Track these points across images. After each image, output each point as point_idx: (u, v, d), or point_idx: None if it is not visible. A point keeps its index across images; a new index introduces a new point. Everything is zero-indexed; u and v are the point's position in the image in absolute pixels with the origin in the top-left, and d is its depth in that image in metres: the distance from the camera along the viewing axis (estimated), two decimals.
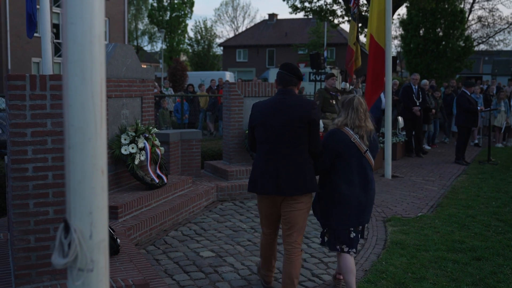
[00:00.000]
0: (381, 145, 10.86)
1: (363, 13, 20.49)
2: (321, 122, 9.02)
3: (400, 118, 12.33)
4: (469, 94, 11.73)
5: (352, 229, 4.25)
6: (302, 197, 4.03)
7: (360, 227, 4.35)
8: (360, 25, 21.66)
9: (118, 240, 4.29)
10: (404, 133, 12.72)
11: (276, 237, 4.38)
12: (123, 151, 6.23)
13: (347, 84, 9.22)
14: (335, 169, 4.19)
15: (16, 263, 3.42)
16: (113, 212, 5.55)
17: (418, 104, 12.25)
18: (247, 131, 8.28)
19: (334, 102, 9.12)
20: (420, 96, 12.36)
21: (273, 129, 3.99)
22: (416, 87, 12.41)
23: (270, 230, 4.31)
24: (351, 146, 4.15)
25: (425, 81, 13.83)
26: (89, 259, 1.59)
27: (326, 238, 4.43)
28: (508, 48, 49.77)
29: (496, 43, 46.34)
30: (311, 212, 4.38)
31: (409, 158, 12.52)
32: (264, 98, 8.51)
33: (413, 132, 12.58)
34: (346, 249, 4.26)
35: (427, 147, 13.97)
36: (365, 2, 20.30)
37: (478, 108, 11.96)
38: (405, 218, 6.96)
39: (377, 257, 5.47)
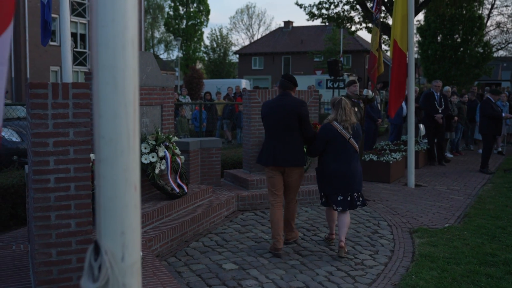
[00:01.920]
0: (403, 153, 10.64)
1: (381, 20, 20.28)
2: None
3: (421, 126, 12.10)
4: (493, 101, 11.47)
5: (340, 193, 5.70)
6: (295, 169, 5.73)
7: (349, 194, 5.72)
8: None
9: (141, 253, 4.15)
10: (426, 141, 12.47)
11: (281, 205, 5.77)
12: (143, 160, 6.12)
13: (369, 91, 9.01)
14: (326, 151, 5.75)
15: (38, 277, 3.30)
16: None
17: (440, 111, 12.00)
18: None
19: (356, 110, 8.93)
20: (443, 103, 12.11)
21: (274, 120, 5.67)
22: (438, 94, 12.17)
23: (275, 197, 5.76)
24: (337, 135, 5.67)
25: (447, 88, 13.58)
26: (121, 283, 1.45)
27: (323, 199, 5.97)
28: None
29: None
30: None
31: (432, 166, 12.26)
32: None
33: (435, 140, 12.32)
34: (335, 208, 5.76)
35: (449, 155, 13.69)
36: (383, 8, 20.11)
37: (503, 115, 11.67)
38: (432, 229, 6.74)
39: (406, 271, 5.27)
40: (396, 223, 7.09)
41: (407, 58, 9.15)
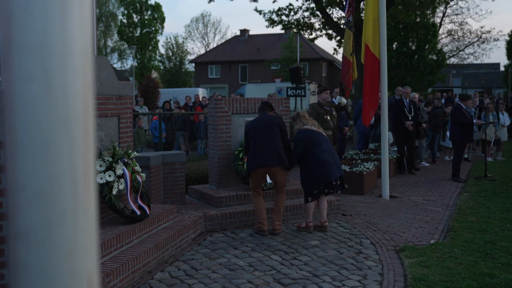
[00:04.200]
0: (375, 162, 10.16)
1: (342, 26, 19.97)
2: None
3: (390, 133, 11.68)
4: (464, 107, 11.17)
5: (334, 178, 6.55)
6: (280, 168, 6.48)
7: (339, 176, 6.67)
8: (338, 37, 21.17)
9: None
10: (395, 149, 12.07)
11: (262, 193, 6.77)
12: (98, 179, 5.33)
13: (342, 98, 8.47)
14: (309, 150, 6.53)
15: None
16: None
17: (410, 118, 11.62)
18: (236, 152, 7.46)
19: (328, 118, 8.37)
20: (412, 110, 11.74)
21: (259, 129, 6.49)
22: (408, 100, 11.80)
23: (259, 189, 6.63)
24: (314, 132, 6.63)
25: (413, 94, 13.25)
26: None
27: (310, 199, 6.64)
28: (478, 61, 50.12)
29: (466, 56, 46.77)
30: None
31: (402, 175, 11.85)
32: (254, 115, 7.74)
33: (405, 148, 11.93)
34: (336, 191, 6.83)
35: (425, 164, 13.36)
36: (343, 15, 19.83)
37: (474, 121, 11.40)
38: (418, 247, 6.21)
39: None
40: (380, 240, 6.53)
41: (380, 64, 8.68)
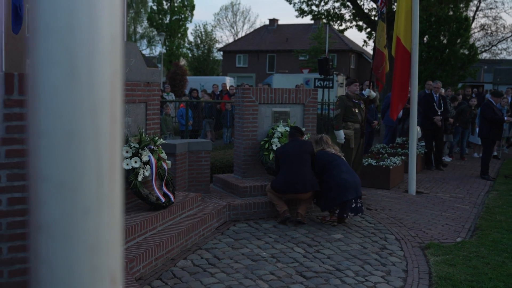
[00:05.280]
0: (402, 157, 10.02)
1: (373, 18, 19.69)
2: (341, 132, 8.15)
3: (418, 128, 11.47)
4: (494, 104, 10.90)
5: (353, 199, 6.45)
6: (310, 192, 6.60)
7: (359, 197, 6.54)
8: (368, 29, 20.86)
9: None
10: (423, 144, 11.87)
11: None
12: (124, 165, 5.35)
13: (371, 91, 8.32)
14: (329, 170, 6.56)
15: None
16: None
17: (439, 113, 11.40)
18: (262, 142, 7.42)
19: (356, 111, 8.24)
20: (442, 105, 11.51)
21: (292, 156, 6.62)
22: (438, 95, 11.57)
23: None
24: (333, 155, 6.73)
25: (442, 89, 12.98)
26: None
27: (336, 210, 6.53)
28: (511, 57, 48.87)
29: (499, 52, 45.73)
30: None
31: (429, 171, 11.66)
32: (281, 105, 7.68)
33: (434, 143, 11.71)
34: (350, 215, 6.53)
35: (447, 159, 13.10)
36: (374, 6, 19.53)
37: (506, 118, 11.12)
38: (445, 245, 6.09)
39: None
40: (405, 236, 6.42)
41: (411, 57, 8.51)
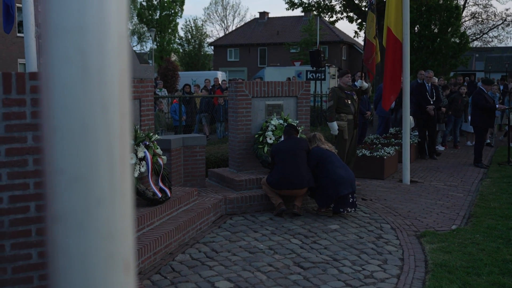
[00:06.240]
0: (396, 147, 10.09)
1: (364, 9, 19.73)
2: (335, 124, 8.20)
3: (411, 118, 11.55)
4: (486, 92, 10.99)
5: (350, 194, 6.57)
6: (306, 188, 6.69)
7: (354, 192, 6.68)
8: (359, 20, 20.89)
9: None
10: (416, 133, 11.94)
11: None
12: None
13: (363, 82, 8.37)
14: (324, 165, 6.64)
15: None
16: None
17: (432, 102, 11.47)
18: (256, 135, 7.46)
19: (349, 102, 8.29)
20: (434, 94, 11.59)
21: (288, 154, 6.68)
22: (430, 84, 11.64)
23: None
24: (326, 151, 6.84)
25: (435, 79, 13.06)
26: None
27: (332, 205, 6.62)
28: (502, 45, 49.06)
29: (490, 40, 45.84)
30: None
31: (423, 160, 11.74)
32: (275, 98, 7.72)
33: (427, 133, 11.79)
34: (349, 210, 6.59)
35: (440, 148, 13.19)
36: None
37: (497, 106, 11.21)
38: (440, 232, 6.17)
39: (422, 284, 4.67)
40: (400, 225, 6.50)
41: (402, 47, 8.56)
